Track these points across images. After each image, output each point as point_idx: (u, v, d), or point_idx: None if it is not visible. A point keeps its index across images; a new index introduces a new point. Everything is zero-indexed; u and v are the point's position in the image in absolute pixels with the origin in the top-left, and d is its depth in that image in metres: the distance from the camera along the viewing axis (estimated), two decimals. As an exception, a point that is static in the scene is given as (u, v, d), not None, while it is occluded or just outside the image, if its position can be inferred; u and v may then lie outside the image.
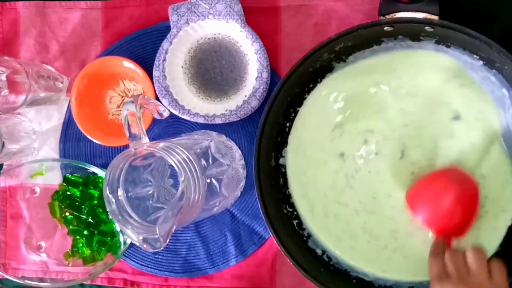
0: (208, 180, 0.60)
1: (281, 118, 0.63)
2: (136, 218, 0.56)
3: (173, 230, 0.52)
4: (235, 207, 0.70)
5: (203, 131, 0.70)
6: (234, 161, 0.66)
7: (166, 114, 0.60)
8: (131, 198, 0.57)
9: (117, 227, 0.71)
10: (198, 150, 0.60)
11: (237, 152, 0.68)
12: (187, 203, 0.53)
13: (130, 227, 0.55)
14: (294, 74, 0.59)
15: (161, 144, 0.55)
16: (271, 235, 0.60)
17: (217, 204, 0.64)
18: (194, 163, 0.55)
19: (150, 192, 0.63)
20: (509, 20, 0.65)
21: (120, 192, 0.55)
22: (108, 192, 0.55)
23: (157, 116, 0.59)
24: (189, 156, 0.55)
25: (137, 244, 0.54)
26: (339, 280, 0.62)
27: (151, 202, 0.62)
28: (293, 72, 0.59)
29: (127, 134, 0.54)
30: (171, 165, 0.53)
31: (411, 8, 0.57)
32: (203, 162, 0.60)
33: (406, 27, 0.58)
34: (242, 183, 0.68)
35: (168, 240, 0.52)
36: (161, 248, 0.52)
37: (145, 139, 0.55)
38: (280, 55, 0.70)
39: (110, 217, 0.57)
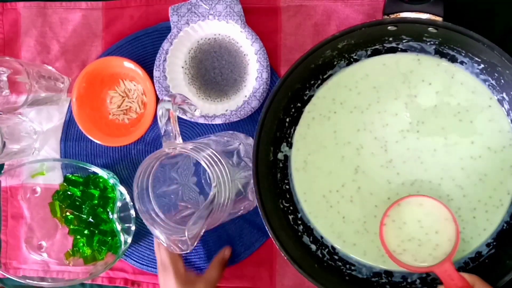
0: (240, 186, 0.60)
1: (281, 113, 0.63)
2: (162, 217, 0.57)
3: (202, 233, 0.53)
4: (235, 207, 0.71)
5: (230, 132, 0.69)
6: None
7: (197, 113, 0.60)
8: (157, 196, 0.57)
9: (118, 227, 0.71)
10: (229, 154, 0.60)
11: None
12: (217, 207, 0.53)
13: (157, 227, 0.56)
14: (296, 69, 0.59)
15: (191, 145, 0.55)
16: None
17: (241, 208, 0.64)
18: (226, 167, 0.55)
19: (175, 190, 0.63)
20: (509, 20, 0.65)
21: (150, 190, 0.56)
22: (137, 191, 0.56)
23: (189, 116, 0.59)
24: (221, 160, 0.55)
25: (165, 245, 0.55)
26: (332, 276, 0.63)
27: (175, 200, 0.63)
28: (296, 66, 0.59)
29: (162, 133, 0.54)
30: (195, 163, 0.53)
31: (416, 9, 0.57)
32: (233, 165, 0.60)
33: (409, 27, 0.58)
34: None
35: (196, 243, 0.53)
36: (188, 251, 0.53)
37: (179, 139, 0.55)
38: (280, 56, 0.70)
39: (140, 216, 0.57)
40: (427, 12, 0.56)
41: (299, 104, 0.65)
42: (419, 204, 0.60)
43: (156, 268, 0.73)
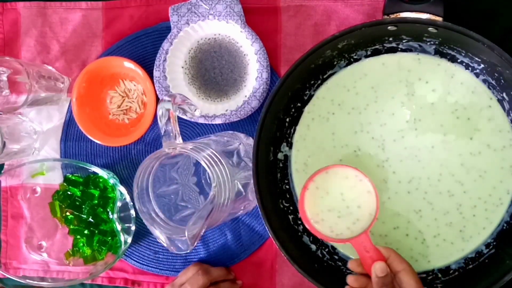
0: (240, 186, 0.60)
1: (281, 113, 0.63)
2: (162, 217, 0.57)
3: (202, 234, 0.53)
4: (235, 207, 0.71)
5: (230, 132, 0.69)
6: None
7: (197, 113, 0.60)
8: (157, 196, 0.58)
9: (118, 227, 0.71)
10: (229, 154, 0.60)
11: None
12: (217, 207, 0.53)
13: (157, 227, 0.56)
14: (296, 69, 0.59)
15: (191, 145, 0.55)
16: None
17: (241, 208, 0.64)
18: (226, 167, 0.55)
19: (175, 190, 0.63)
20: (509, 20, 0.65)
21: (150, 190, 0.56)
22: (137, 191, 0.56)
23: (189, 116, 0.59)
24: (221, 160, 0.55)
25: (165, 245, 0.55)
26: (332, 276, 0.63)
27: (175, 200, 0.63)
28: (296, 66, 0.59)
29: (162, 133, 0.54)
30: (195, 163, 0.53)
31: (416, 9, 0.57)
32: (233, 165, 0.60)
33: (409, 27, 0.58)
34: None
35: (196, 243, 0.53)
36: (188, 251, 0.53)
37: (179, 139, 0.55)
38: (280, 55, 0.70)
39: (140, 216, 0.57)
40: (427, 12, 0.56)
41: (299, 104, 0.65)
42: (345, 177, 0.59)
43: (156, 268, 0.73)
